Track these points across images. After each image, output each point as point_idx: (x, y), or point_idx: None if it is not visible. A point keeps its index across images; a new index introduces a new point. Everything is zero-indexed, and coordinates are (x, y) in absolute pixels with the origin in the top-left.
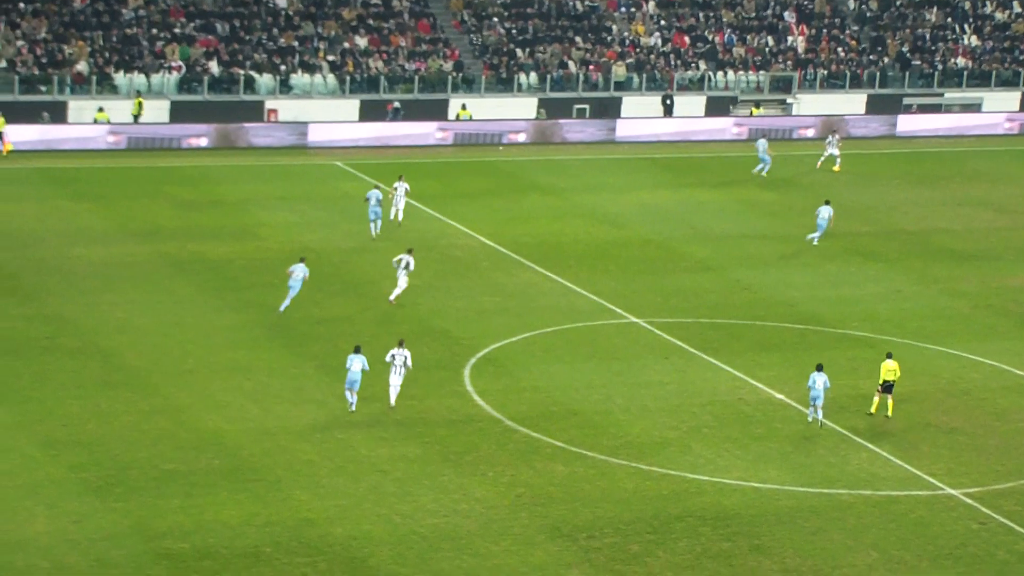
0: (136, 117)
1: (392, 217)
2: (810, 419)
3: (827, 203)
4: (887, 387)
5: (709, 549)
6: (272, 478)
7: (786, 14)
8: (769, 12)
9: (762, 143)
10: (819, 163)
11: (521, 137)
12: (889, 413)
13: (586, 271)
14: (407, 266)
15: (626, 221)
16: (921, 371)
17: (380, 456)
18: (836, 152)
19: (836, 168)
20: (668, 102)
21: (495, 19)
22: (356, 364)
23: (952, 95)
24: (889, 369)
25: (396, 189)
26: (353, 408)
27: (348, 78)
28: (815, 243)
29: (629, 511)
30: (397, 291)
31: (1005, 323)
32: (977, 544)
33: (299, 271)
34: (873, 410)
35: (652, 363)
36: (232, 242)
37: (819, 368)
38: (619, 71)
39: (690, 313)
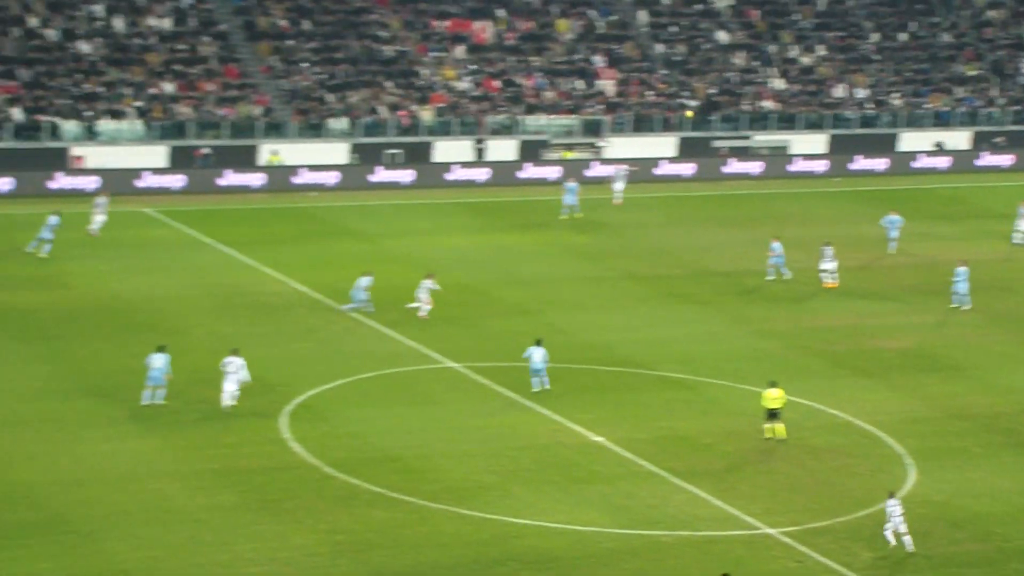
0: None
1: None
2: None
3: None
4: (772, 414)
5: None
6: (86, 530)
7: (595, 58)
8: (578, 56)
9: (572, 186)
10: (614, 199)
11: (332, 182)
12: (784, 435)
13: (401, 316)
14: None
15: (440, 266)
16: (738, 411)
17: (197, 505)
18: (621, 186)
19: (618, 202)
20: (480, 146)
21: (304, 64)
22: (157, 362)
23: (760, 138)
24: (772, 398)
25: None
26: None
27: (155, 124)
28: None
29: (449, 556)
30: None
31: (816, 363)
32: None
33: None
34: (767, 435)
35: (470, 407)
36: (40, 291)
37: (538, 343)
38: (428, 115)
39: (507, 357)
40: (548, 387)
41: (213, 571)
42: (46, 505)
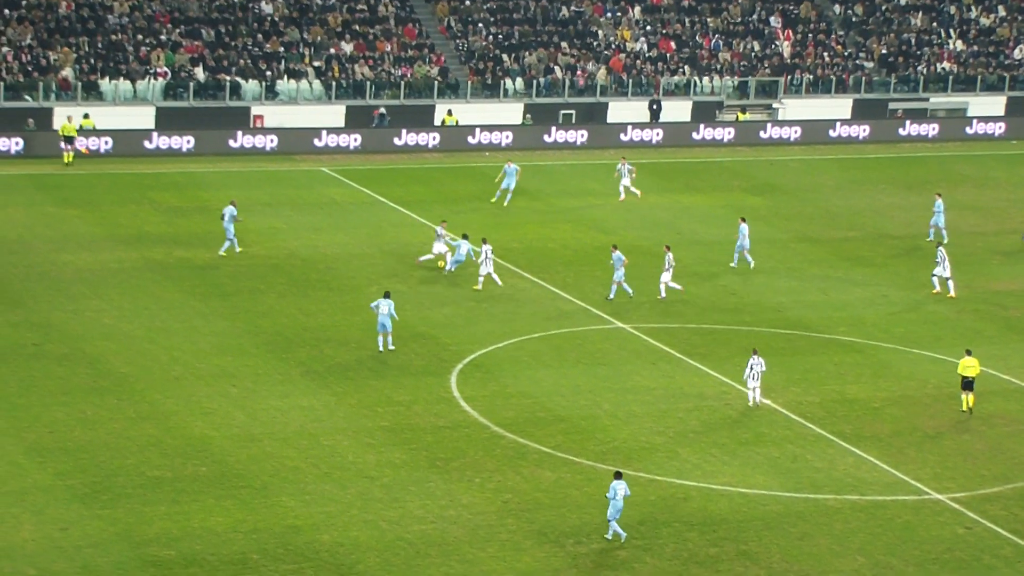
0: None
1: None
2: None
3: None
4: (967, 383)
5: (696, 555)
6: (258, 484)
7: (771, 19)
8: (754, 17)
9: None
10: (622, 196)
11: (507, 141)
12: (969, 407)
13: (573, 276)
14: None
15: (612, 226)
16: (908, 376)
17: (367, 462)
18: (628, 182)
19: (623, 199)
20: (655, 107)
21: (481, 25)
22: (383, 307)
23: (937, 100)
24: (967, 365)
25: None
26: (381, 350)
27: (334, 84)
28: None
29: None
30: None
31: (991, 327)
32: (963, 549)
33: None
34: (964, 408)
35: (639, 368)
36: (218, 248)
37: (386, 294)
38: (603, 76)
39: (677, 318)
40: (392, 348)
41: (382, 527)
42: (221, 460)
